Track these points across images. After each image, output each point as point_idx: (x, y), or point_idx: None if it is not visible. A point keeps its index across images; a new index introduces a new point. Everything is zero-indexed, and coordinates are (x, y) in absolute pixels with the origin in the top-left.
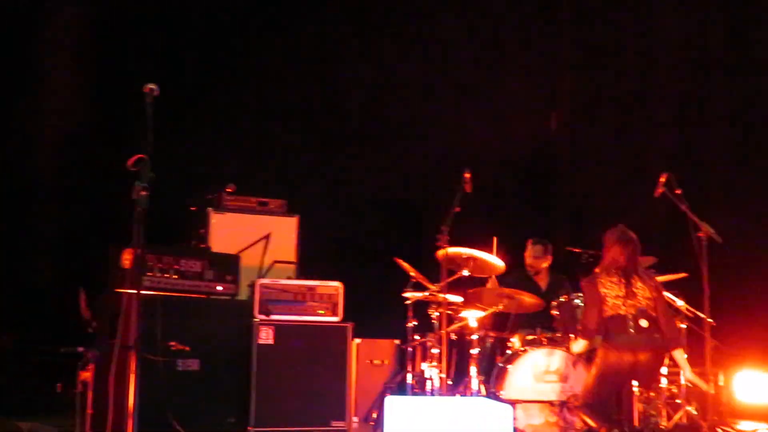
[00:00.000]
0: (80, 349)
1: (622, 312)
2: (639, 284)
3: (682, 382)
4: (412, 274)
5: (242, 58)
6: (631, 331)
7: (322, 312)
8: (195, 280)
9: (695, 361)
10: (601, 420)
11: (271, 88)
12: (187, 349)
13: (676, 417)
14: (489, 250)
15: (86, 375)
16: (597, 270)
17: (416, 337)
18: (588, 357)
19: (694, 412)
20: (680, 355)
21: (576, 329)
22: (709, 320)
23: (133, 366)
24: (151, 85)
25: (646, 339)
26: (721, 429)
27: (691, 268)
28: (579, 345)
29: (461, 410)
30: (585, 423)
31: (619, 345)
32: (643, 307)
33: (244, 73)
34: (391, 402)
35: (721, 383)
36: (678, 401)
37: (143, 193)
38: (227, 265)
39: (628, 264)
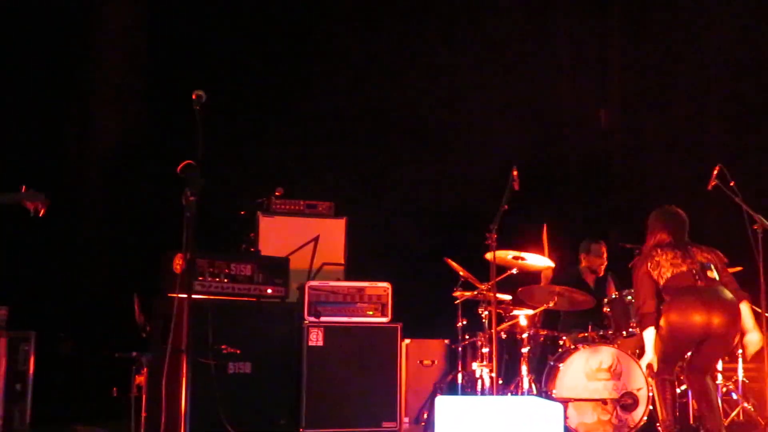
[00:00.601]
0: (134, 353)
1: (684, 269)
2: (693, 249)
3: (740, 378)
4: (461, 273)
5: (291, 63)
6: (700, 282)
7: (371, 313)
8: (245, 283)
9: (753, 356)
10: (665, 413)
11: (319, 93)
12: (238, 352)
13: (733, 414)
14: (540, 246)
15: (140, 379)
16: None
17: (466, 336)
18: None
19: (752, 409)
20: (746, 308)
21: (631, 323)
22: (767, 315)
23: (184, 369)
24: (199, 92)
25: (717, 292)
26: None
27: (746, 262)
28: (648, 333)
29: (512, 410)
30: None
31: (688, 302)
32: (705, 262)
33: (292, 79)
34: (442, 402)
35: None
36: (735, 397)
37: (192, 198)
38: (276, 268)
39: (675, 239)
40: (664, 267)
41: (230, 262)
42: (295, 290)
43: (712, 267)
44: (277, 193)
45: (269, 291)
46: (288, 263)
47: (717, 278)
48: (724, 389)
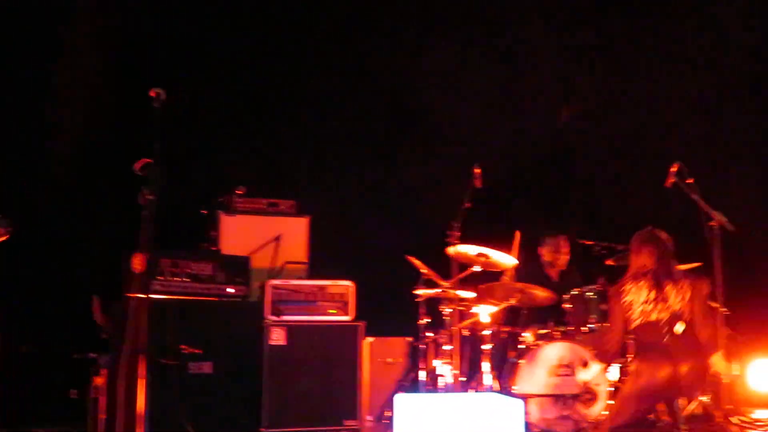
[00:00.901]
0: (92, 355)
1: (653, 318)
2: (670, 287)
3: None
4: (424, 271)
5: (251, 59)
6: (666, 339)
7: (334, 311)
8: (206, 282)
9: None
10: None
11: (279, 89)
12: (199, 351)
13: (690, 407)
14: (503, 244)
15: (99, 380)
16: (624, 279)
17: (429, 334)
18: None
19: (709, 402)
20: (719, 360)
21: (591, 319)
22: (723, 309)
23: (142, 370)
24: (157, 89)
25: (684, 346)
26: (736, 418)
27: (704, 258)
28: (593, 370)
29: (472, 406)
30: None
31: (654, 357)
32: (677, 311)
33: (254, 76)
34: (400, 400)
35: (735, 372)
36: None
37: (149, 197)
38: (238, 267)
39: (659, 267)
40: (634, 312)
41: (191, 261)
42: (257, 289)
43: (684, 315)
44: (238, 192)
45: (230, 290)
46: (249, 262)
47: (684, 332)
48: None
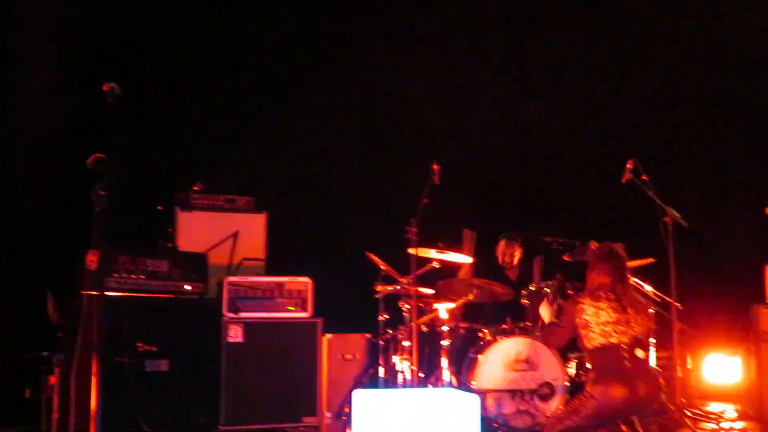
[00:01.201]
0: (46, 353)
1: (614, 341)
2: (630, 309)
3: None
4: (383, 267)
5: (209, 54)
6: (627, 363)
7: (292, 308)
8: (162, 280)
9: (664, 344)
10: None
11: (239, 85)
12: (155, 349)
13: None
14: (459, 242)
15: (53, 379)
16: (583, 294)
17: (388, 330)
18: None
19: (663, 396)
20: None
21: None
22: (677, 304)
23: (95, 368)
24: (111, 84)
25: (641, 369)
26: (689, 411)
27: (658, 253)
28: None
29: (428, 402)
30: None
31: (611, 380)
32: (638, 335)
33: (211, 71)
34: (358, 396)
35: (689, 366)
36: None
37: (102, 193)
38: (194, 264)
39: (615, 284)
40: (593, 331)
41: (147, 258)
42: (215, 286)
43: (644, 340)
44: (195, 188)
45: (187, 287)
46: (206, 259)
47: (644, 357)
48: None
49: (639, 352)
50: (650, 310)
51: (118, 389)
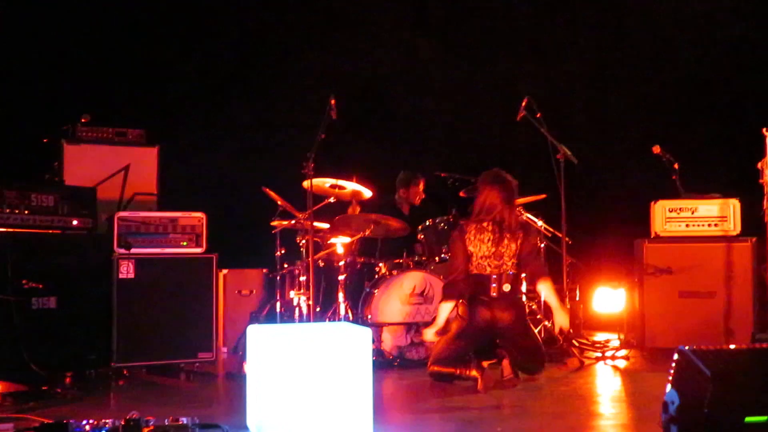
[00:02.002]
0: None
1: (487, 272)
2: (507, 241)
3: (542, 298)
4: (280, 202)
5: None
6: (494, 294)
7: (185, 243)
8: (48, 215)
9: (553, 278)
10: (461, 364)
11: (127, 15)
12: (40, 286)
13: (536, 330)
14: (356, 177)
15: None
16: (470, 218)
17: (285, 265)
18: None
19: (551, 326)
20: (547, 287)
21: (443, 249)
22: (566, 239)
23: None
24: None
25: (507, 302)
26: (576, 341)
27: (550, 189)
28: (445, 307)
29: (321, 335)
30: (446, 374)
31: (480, 303)
32: (508, 270)
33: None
34: (253, 331)
35: (577, 298)
36: (538, 317)
37: None
38: (82, 199)
39: (503, 209)
40: (472, 262)
41: (31, 192)
42: (105, 222)
43: (513, 275)
44: (83, 120)
45: (75, 222)
46: (95, 193)
47: (509, 291)
48: (528, 310)
49: (506, 287)
50: (533, 231)
51: (3, 327)
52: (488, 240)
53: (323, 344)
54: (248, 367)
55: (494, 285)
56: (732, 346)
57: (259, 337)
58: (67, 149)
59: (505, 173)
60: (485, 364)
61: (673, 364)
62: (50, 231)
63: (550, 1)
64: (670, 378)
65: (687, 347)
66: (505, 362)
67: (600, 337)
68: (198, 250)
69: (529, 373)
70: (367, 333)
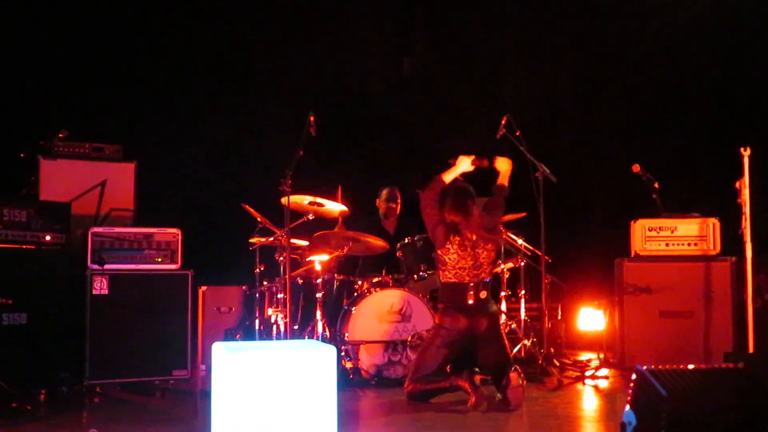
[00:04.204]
0: None
1: (465, 281)
2: (480, 250)
3: (522, 317)
4: (259, 219)
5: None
6: (471, 302)
7: (160, 260)
8: (20, 230)
9: (534, 295)
10: (449, 376)
11: (104, 30)
12: (10, 302)
13: (515, 350)
14: (335, 195)
15: None
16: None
17: (264, 282)
18: (432, 296)
19: (530, 345)
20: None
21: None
22: (546, 257)
23: None
24: None
25: (483, 309)
26: (557, 360)
27: (529, 207)
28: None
29: (284, 353)
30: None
31: (457, 310)
32: (485, 278)
33: (76, 12)
34: (218, 348)
35: (558, 317)
36: (519, 337)
37: None
38: (56, 214)
39: (462, 220)
40: (449, 270)
41: (3, 207)
42: (80, 237)
43: (488, 287)
44: (60, 135)
45: (48, 238)
46: (69, 208)
47: (485, 297)
48: (508, 329)
49: (482, 294)
50: (498, 236)
51: None
52: (467, 255)
53: (286, 362)
54: (213, 385)
55: (471, 293)
56: (690, 366)
57: (223, 355)
58: (44, 164)
59: (463, 185)
60: (477, 378)
61: (631, 384)
62: (23, 246)
63: (533, 22)
64: (629, 398)
65: (645, 367)
66: (513, 374)
67: (582, 356)
68: (173, 266)
69: (496, 379)
70: (331, 351)
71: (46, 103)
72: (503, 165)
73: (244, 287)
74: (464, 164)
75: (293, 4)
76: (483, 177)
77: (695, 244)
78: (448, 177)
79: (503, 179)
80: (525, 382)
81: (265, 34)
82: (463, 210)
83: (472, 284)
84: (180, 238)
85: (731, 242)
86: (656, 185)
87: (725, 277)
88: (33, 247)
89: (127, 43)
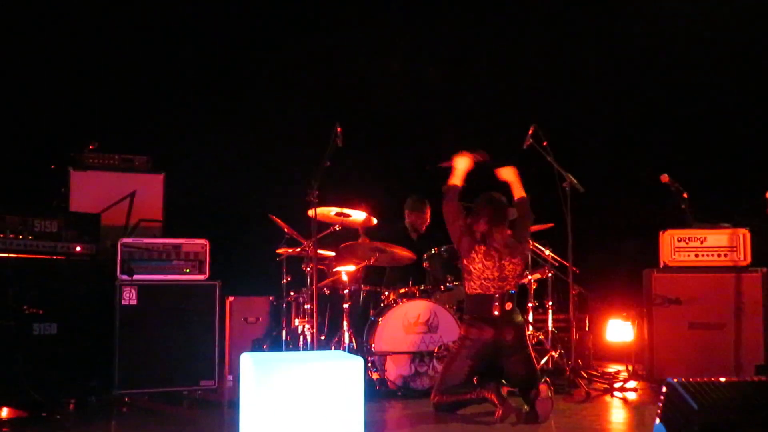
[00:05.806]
0: None
1: (490, 292)
2: (508, 263)
3: (549, 329)
4: (286, 230)
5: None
6: (496, 313)
7: (188, 270)
8: (51, 240)
9: (562, 307)
10: (475, 388)
11: (136, 42)
12: (41, 312)
13: (543, 361)
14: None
15: None
16: (480, 243)
17: (290, 293)
18: (459, 307)
19: (556, 357)
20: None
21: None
22: (573, 268)
23: None
24: None
25: (509, 320)
26: (584, 372)
27: (557, 217)
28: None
29: (311, 363)
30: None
31: (483, 322)
32: (510, 290)
33: (107, 26)
34: (245, 359)
35: (586, 328)
36: (547, 348)
37: None
38: (86, 225)
39: (492, 231)
40: (474, 281)
41: (34, 218)
42: (109, 248)
43: (514, 295)
44: (90, 147)
45: (78, 249)
46: (99, 219)
47: (511, 309)
48: (535, 340)
49: (508, 306)
50: (525, 249)
51: (3, 353)
52: (493, 266)
53: (313, 373)
54: (240, 395)
55: (497, 304)
56: (722, 379)
57: (251, 366)
58: (74, 176)
59: (495, 195)
60: (504, 390)
61: (662, 397)
62: (53, 257)
63: (560, 30)
64: (659, 411)
65: (675, 379)
66: (543, 386)
67: (610, 368)
68: (201, 276)
69: (523, 391)
70: (359, 362)
71: (77, 115)
72: (509, 175)
73: (271, 298)
74: (464, 163)
75: (322, 14)
76: (483, 177)
77: (725, 255)
78: (457, 180)
79: (518, 190)
80: (554, 394)
81: (293, 45)
82: (500, 222)
83: (497, 296)
84: (208, 248)
85: (762, 253)
86: (685, 195)
87: (756, 288)
88: (63, 258)
89: (156, 56)
